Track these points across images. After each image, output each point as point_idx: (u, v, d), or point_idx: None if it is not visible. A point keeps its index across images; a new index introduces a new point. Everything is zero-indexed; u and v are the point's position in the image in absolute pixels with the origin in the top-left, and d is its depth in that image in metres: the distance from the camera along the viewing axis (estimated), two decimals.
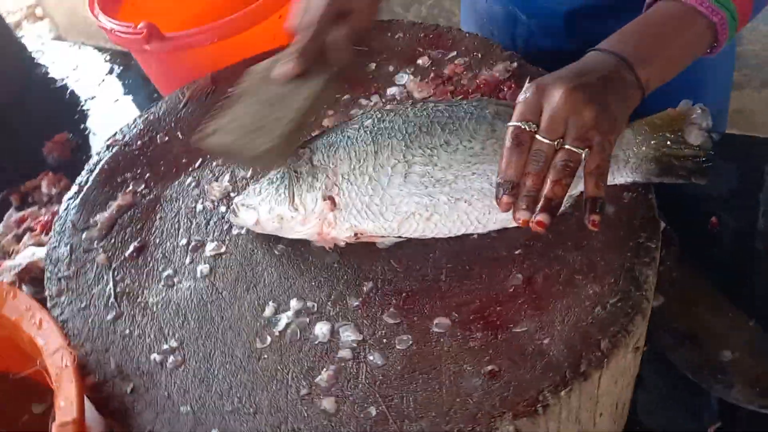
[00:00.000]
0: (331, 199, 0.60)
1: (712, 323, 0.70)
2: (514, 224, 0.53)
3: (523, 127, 0.53)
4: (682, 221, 0.79)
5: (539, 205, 0.52)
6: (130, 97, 1.22)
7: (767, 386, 0.65)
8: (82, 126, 1.17)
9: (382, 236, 0.60)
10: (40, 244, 0.85)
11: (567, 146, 0.52)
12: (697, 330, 0.70)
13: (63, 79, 1.29)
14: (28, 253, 0.83)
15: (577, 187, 0.58)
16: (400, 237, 0.60)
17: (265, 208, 0.62)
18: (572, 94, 0.52)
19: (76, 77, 1.29)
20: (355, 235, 0.61)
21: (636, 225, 0.58)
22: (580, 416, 0.53)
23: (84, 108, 1.21)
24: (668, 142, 0.60)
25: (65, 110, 1.22)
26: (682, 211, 0.80)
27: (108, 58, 1.32)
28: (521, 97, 0.54)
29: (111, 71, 1.28)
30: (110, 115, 1.18)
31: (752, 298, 0.72)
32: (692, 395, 0.67)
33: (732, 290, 0.72)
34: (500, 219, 0.58)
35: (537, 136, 0.53)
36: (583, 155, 0.52)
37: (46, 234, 0.87)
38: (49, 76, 1.31)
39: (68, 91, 1.26)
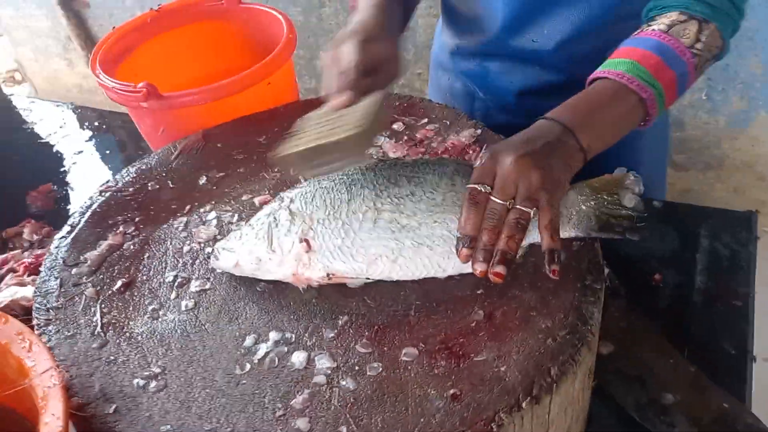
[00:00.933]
0: (307, 241, 0.66)
1: (656, 367, 0.76)
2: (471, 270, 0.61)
3: (479, 188, 0.62)
4: (630, 277, 0.87)
5: (496, 258, 0.60)
6: (116, 154, 1.27)
7: (707, 425, 0.71)
8: (67, 179, 1.21)
9: (353, 278, 0.66)
10: (22, 284, 0.88)
11: (518, 206, 0.61)
12: (643, 373, 0.76)
13: (49, 135, 1.34)
14: (10, 292, 0.86)
15: (527, 240, 0.65)
16: (368, 279, 0.66)
17: (245, 250, 0.67)
18: (520, 160, 0.62)
19: (64, 134, 1.34)
20: (328, 276, 0.66)
21: (583, 269, 0.65)
22: None
23: (70, 162, 1.26)
24: (606, 203, 0.69)
25: (50, 164, 1.26)
26: (629, 268, 0.88)
27: (93, 117, 1.38)
28: (478, 162, 0.64)
29: (97, 130, 1.35)
30: (95, 170, 1.23)
31: (689, 344, 0.79)
32: None
33: (672, 338, 0.79)
34: (458, 265, 0.65)
35: (491, 197, 0.62)
36: (532, 213, 0.61)
37: (29, 275, 0.90)
38: (36, 131, 1.37)
39: (54, 147, 1.31)
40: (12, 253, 0.97)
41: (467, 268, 0.63)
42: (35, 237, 1.03)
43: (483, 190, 0.63)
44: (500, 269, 0.61)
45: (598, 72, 0.71)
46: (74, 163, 1.26)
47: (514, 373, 0.56)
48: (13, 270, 0.92)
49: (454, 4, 0.97)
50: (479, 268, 0.61)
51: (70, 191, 1.18)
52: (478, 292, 0.64)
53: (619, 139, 0.70)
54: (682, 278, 0.87)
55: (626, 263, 0.89)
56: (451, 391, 0.56)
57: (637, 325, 0.81)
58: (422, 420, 0.54)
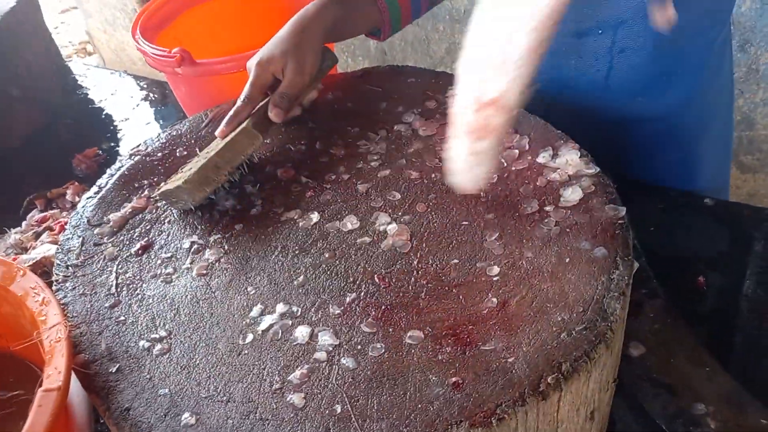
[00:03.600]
0: None
1: (689, 375, 0.71)
2: None
3: None
4: (670, 278, 0.81)
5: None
6: (160, 122, 1.30)
7: None
8: (113, 144, 1.25)
9: None
10: (56, 242, 0.91)
11: None
12: (674, 381, 0.71)
13: (101, 101, 1.38)
14: (44, 249, 0.88)
15: None
16: None
17: None
18: None
19: (114, 101, 1.38)
20: None
21: (610, 262, 0.60)
22: None
23: (117, 128, 1.30)
24: None
25: (99, 129, 1.30)
26: (671, 268, 0.82)
27: (145, 86, 1.41)
28: None
29: (146, 98, 1.37)
30: (140, 136, 1.25)
31: (731, 354, 0.73)
32: None
33: (712, 346, 0.73)
34: None
35: None
36: None
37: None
38: (89, 97, 1.41)
39: (104, 113, 1.35)
40: (52, 212, 1.00)
41: None
42: (77, 198, 1.06)
43: None
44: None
45: None
46: (121, 129, 1.29)
47: (522, 366, 0.53)
48: (50, 228, 0.95)
49: None
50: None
51: (114, 156, 1.21)
52: (494, 278, 0.61)
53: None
54: (728, 283, 0.80)
55: (668, 263, 0.83)
56: (453, 379, 0.53)
57: (673, 329, 0.75)
58: (419, 406, 0.51)
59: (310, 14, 0.82)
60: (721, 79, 0.93)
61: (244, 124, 0.76)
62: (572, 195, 0.67)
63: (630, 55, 0.83)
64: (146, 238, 0.72)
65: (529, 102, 0.89)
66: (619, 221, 0.64)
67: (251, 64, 0.80)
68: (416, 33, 2.00)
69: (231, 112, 0.78)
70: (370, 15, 0.88)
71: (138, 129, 1.28)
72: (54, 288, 0.67)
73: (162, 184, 0.77)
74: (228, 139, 0.75)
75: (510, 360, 0.54)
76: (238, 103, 0.78)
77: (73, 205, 1.05)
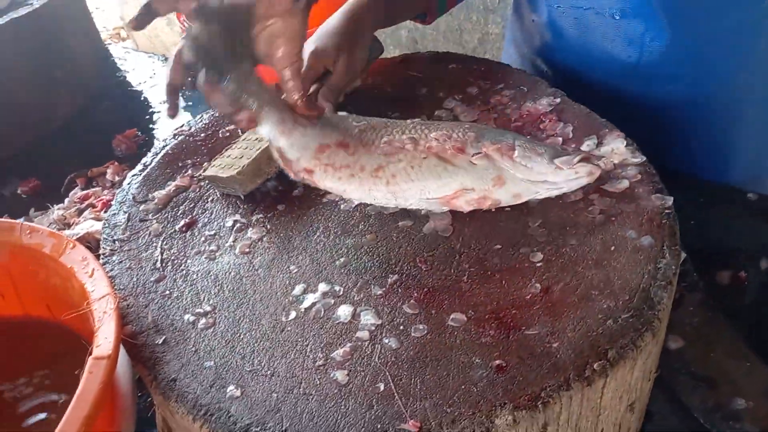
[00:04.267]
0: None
1: (729, 369, 0.70)
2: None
3: None
4: (712, 272, 0.80)
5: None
6: (199, 106, 1.31)
7: None
8: (151, 126, 1.26)
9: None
10: (98, 219, 0.92)
11: None
12: (713, 374, 0.70)
13: (140, 84, 1.40)
14: (87, 225, 0.90)
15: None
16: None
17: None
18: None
19: (152, 83, 1.40)
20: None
21: (657, 251, 0.60)
22: (580, 425, 0.54)
23: (155, 111, 1.31)
24: None
25: (138, 111, 1.32)
26: (712, 262, 0.81)
27: None
28: None
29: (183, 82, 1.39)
30: (178, 118, 1.26)
31: None
32: None
33: (752, 342, 0.72)
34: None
35: None
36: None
37: (106, 211, 0.94)
38: (128, 80, 1.43)
39: (142, 96, 1.37)
40: (93, 189, 1.02)
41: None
42: (117, 178, 1.08)
43: None
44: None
45: None
46: (159, 112, 1.31)
47: (567, 351, 0.53)
48: (92, 205, 0.97)
49: None
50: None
51: (152, 137, 1.23)
52: (538, 264, 0.61)
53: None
54: None
55: (709, 256, 0.82)
56: (497, 362, 0.53)
57: (713, 322, 0.74)
58: (463, 387, 0.52)
59: (363, 4, 0.81)
60: (755, 61, 0.90)
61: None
62: (618, 184, 0.66)
63: (661, 41, 0.82)
64: (190, 216, 0.73)
65: (559, 85, 0.90)
66: (666, 210, 0.63)
67: (307, 56, 0.78)
68: (449, 23, 1.99)
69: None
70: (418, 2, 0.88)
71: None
72: (101, 261, 0.68)
73: (206, 165, 0.77)
74: None
75: (555, 345, 0.53)
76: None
77: (113, 184, 1.07)
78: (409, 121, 0.72)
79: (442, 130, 0.68)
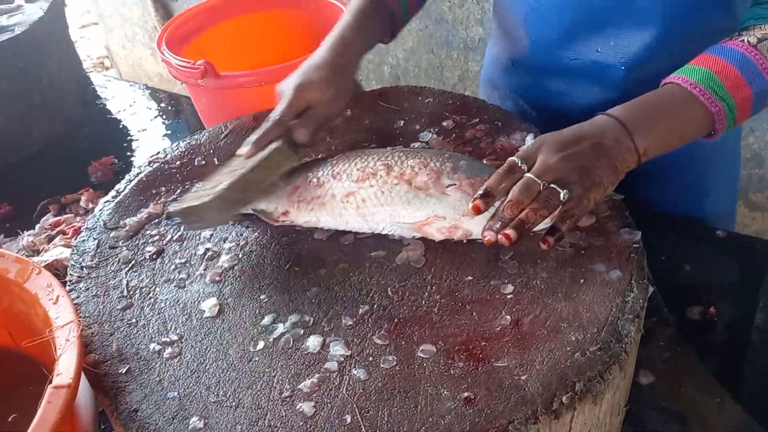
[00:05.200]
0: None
1: (700, 405, 0.70)
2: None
3: (519, 163, 0.60)
4: (682, 308, 0.81)
5: (511, 222, 0.58)
6: (177, 135, 1.31)
7: None
8: (128, 153, 1.26)
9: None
10: (68, 246, 0.91)
11: (552, 185, 0.59)
12: (684, 410, 0.70)
13: (119, 111, 1.40)
14: (56, 252, 0.89)
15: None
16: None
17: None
18: (564, 160, 0.60)
19: (132, 111, 1.40)
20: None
21: (625, 284, 0.60)
22: None
23: (133, 139, 1.31)
24: None
25: (116, 138, 1.31)
26: (682, 298, 0.82)
27: (162, 98, 1.43)
28: (524, 146, 0.61)
29: (163, 111, 1.39)
30: (156, 147, 1.26)
31: (741, 386, 0.72)
32: None
33: (722, 377, 0.72)
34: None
35: (527, 174, 0.60)
36: (562, 196, 0.58)
37: (76, 238, 0.93)
38: (108, 107, 1.43)
39: (121, 124, 1.37)
40: (65, 216, 1.01)
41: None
42: (90, 205, 1.07)
43: (521, 165, 0.61)
44: (511, 232, 0.57)
45: (673, 76, 0.67)
46: (138, 140, 1.31)
47: (535, 384, 0.53)
48: (63, 232, 0.96)
49: (506, 7, 0.91)
50: (489, 235, 0.59)
51: (130, 165, 1.22)
52: (508, 297, 0.61)
53: (679, 147, 0.65)
54: (740, 314, 0.80)
55: (679, 292, 0.83)
56: (465, 394, 0.52)
57: (684, 358, 0.75)
58: (431, 419, 0.51)
59: (348, 37, 0.80)
60: None
61: (276, 144, 0.73)
62: (586, 219, 0.67)
63: (643, 87, 0.83)
64: (161, 244, 0.72)
65: (534, 119, 0.90)
66: (635, 245, 0.64)
67: (286, 87, 0.77)
68: (430, 60, 2.03)
69: (260, 133, 0.73)
70: (386, 22, 0.88)
71: (154, 141, 1.30)
72: (67, 288, 0.67)
73: (175, 198, 0.76)
74: (260, 157, 0.71)
75: (523, 377, 0.53)
76: (268, 124, 0.74)
77: (87, 211, 1.06)
78: (389, 148, 0.73)
79: (419, 158, 0.69)
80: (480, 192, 0.61)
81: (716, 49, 0.67)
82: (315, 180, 0.71)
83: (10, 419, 0.65)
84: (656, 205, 0.92)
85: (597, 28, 0.81)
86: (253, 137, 0.74)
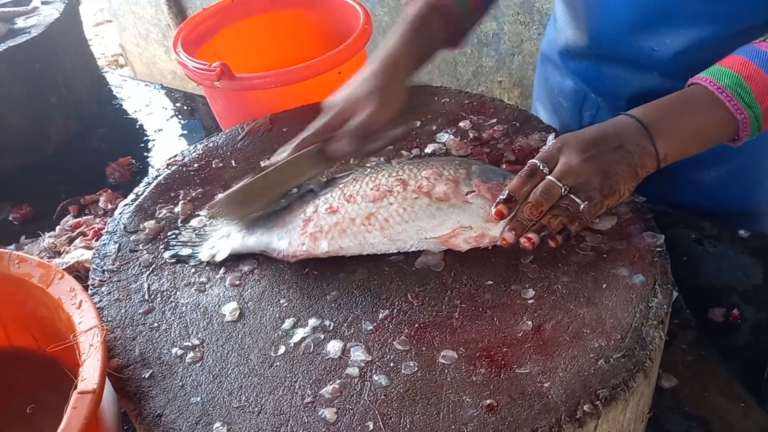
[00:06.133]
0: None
1: (723, 410, 0.69)
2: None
3: (539, 165, 0.60)
4: (705, 310, 0.80)
5: (532, 227, 0.60)
6: (192, 135, 1.32)
7: None
8: (145, 153, 1.27)
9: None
10: (89, 248, 0.92)
11: (572, 195, 0.59)
12: (707, 415, 0.69)
13: (135, 112, 1.41)
14: (77, 254, 0.89)
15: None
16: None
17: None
18: (586, 162, 0.60)
19: (148, 111, 1.40)
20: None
21: (649, 289, 0.60)
22: None
23: (150, 139, 1.32)
24: None
25: (133, 138, 1.32)
26: (705, 300, 0.81)
27: (178, 98, 1.44)
28: (545, 147, 0.60)
29: (179, 111, 1.40)
30: (172, 147, 1.27)
31: (763, 389, 0.71)
32: None
33: (746, 380, 0.72)
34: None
35: (548, 176, 0.60)
36: (582, 207, 0.59)
37: (97, 240, 0.94)
38: (123, 108, 1.44)
39: (138, 123, 1.38)
40: (85, 218, 1.01)
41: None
42: (109, 206, 1.07)
43: (543, 168, 0.62)
44: (534, 237, 0.60)
45: (699, 77, 0.65)
46: (154, 140, 1.31)
47: (558, 391, 0.52)
48: (83, 234, 0.97)
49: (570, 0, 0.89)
50: (508, 236, 0.61)
51: (147, 165, 1.23)
52: (530, 302, 0.61)
53: (702, 151, 0.64)
54: (763, 317, 0.79)
55: (702, 294, 0.82)
56: (488, 401, 0.52)
57: (707, 361, 0.74)
58: (453, 427, 0.51)
59: (398, 47, 0.76)
60: None
61: (307, 149, 0.71)
62: (607, 222, 0.67)
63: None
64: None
65: (593, 101, 0.88)
66: (658, 248, 0.63)
67: (335, 101, 0.73)
68: (444, 56, 2.02)
69: (296, 141, 0.72)
70: (445, 28, 0.83)
71: (170, 140, 1.30)
72: (90, 292, 0.68)
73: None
74: (285, 160, 0.71)
75: (546, 385, 0.53)
76: (306, 133, 0.72)
77: (106, 212, 1.06)
78: (394, 162, 0.71)
79: (431, 168, 0.68)
80: (502, 196, 0.61)
81: (747, 50, 0.65)
82: (327, 207, 0.68)
83: (28, 409, 0.66)
84: (703, 196, 0.90)
85: (657, 23, 0.79)
86: (289, 145, 0.72)
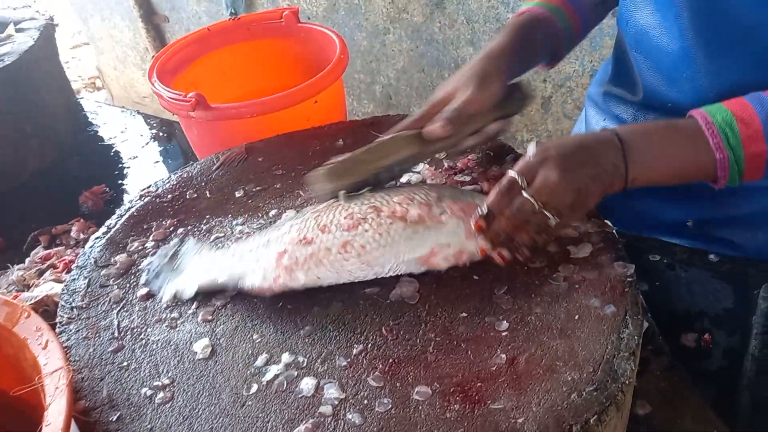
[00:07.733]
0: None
1: None
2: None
3: (518, 180, 0.63)
4: (676, 335, 0.80)
5: (508, 245, 0.64)
6: (168, 161, 1.31)
7: None
8: (120, 181, 1.25)
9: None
10: (59, 281, 0.90)
11: (544, 211, 0.62)
12: None
13: (111, 138, 1.40)
14: (46, 287, 0.88)
15: None
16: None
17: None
18: (565, 177, 0.62)
19: (123, 138, 1.39)
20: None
21: (620, 320, 0.60)
22: None
23: (125, 166, 1.30)
24: None
25: (108, 166, 1.31)
26: (676, 325, 0.82)
27: (154, 125, 1.43)
28: (526, 156, 0.64)
29: (155, 137, 1.39)
30: (148, 174, 1.26)
31: (738, 416, 0.72)
32: None
33: (719, 406, 0.72)
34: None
35: (524, 194, 0.63)
36: (551, 221, 0.63)
37: (67, 273, 0.92)
38: (99, 134, 1.42)
39: (113, 150, 1.36)
40: (56, 249, 1.00)
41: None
42: (81, 236, 1.06)
43: (521, 182, 0.63)
44: (506, 252, 0.65)
45: (698, 110, 0.65)
46: (129, 167, 1.30)
47: (532, 427, 0.52)
48: (53, 266, 0.95)
49: (630, 51, 0.83)
50: (485, 246, 0.65)
51: (121, 193, 1.21)
52: (503, 333, 0.61)
53: (677, 183, 0.66)
54: (734, 342, 0.80)
55: (674, 319, 0.83)
56: None
57: (680, 387, 0.74)
58: None
59: (496, 51, 0.78)
60: None
61: (406, 131, 0.74)
62: (581, 251, 0.67)
63: None
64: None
65: None
66: (628, 279, 0.64)
67: (436, 92, 0.77)
68: (421, 80, 2.04)
69: (399, 126, 0.75)
70: (544, 43, 0.87)
71: (146, 167, 1.29)
72: (57, 330, 0.66)
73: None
74: (383, 138, 0.74)
75: (520, 420, 0.53)
76: (407, 120, 0.76)
77: (78, 242, 1.05)
78: (365, 190, 0.72)
79: (402, 195, 0.69)
80: (481, 211, 0.64)
81: (755, 96, 0.64)
82: (302, 239, 0.67)
83: None
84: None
85: (722, 98, 0.70)
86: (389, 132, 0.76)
